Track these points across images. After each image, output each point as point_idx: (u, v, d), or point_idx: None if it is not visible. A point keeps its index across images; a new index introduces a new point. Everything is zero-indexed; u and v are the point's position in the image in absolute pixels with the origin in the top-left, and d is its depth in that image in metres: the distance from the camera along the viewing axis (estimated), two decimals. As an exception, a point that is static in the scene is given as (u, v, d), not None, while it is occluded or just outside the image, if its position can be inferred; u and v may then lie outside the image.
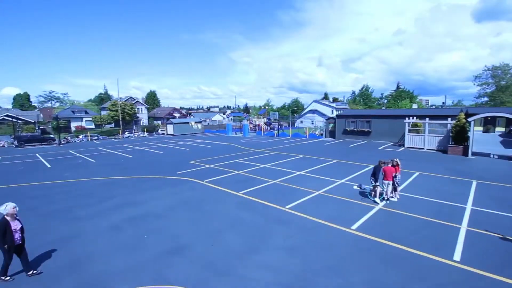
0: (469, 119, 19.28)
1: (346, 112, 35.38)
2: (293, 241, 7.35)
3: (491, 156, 19.52)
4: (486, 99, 50.78)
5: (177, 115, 73.77)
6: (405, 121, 23.75)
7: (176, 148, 27.30)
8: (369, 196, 10.67)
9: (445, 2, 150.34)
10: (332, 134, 33.58)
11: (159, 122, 66.39)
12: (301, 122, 69.43)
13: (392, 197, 10.22)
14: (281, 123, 54.31)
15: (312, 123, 58.77)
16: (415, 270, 5.95)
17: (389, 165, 10.10)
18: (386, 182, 10.05)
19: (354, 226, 8.11)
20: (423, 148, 22.62)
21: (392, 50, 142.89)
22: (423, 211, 9.24)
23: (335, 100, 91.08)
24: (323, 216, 8.86)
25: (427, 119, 22.54)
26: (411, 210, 9.35)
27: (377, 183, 10.23)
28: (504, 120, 32.18)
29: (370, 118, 29.56)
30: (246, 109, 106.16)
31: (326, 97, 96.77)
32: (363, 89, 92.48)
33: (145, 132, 48.54)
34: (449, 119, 21.58)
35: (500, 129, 34.89)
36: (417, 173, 14.53)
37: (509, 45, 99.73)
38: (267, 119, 55.66)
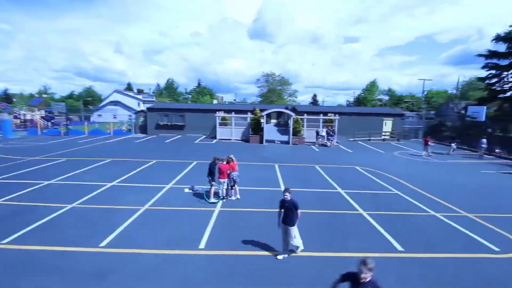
0: (263, 114, 23.61)
1: (158, 105, 33.04)
2: (126, 304, 4.71)
3: (276, 142, 25.24)
4: (260, 98, 67.20)
5: None
6: (216, 114, 25.38)
7: None
8: (205, 198, 9.67)
9: (230, 17, 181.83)
10: (143, 129, 30.09)
11: None
12: (100, 116, 58.04)
13: (230, 196, 9.83)
14: (70, 117, 42.11)
15: (115, 117, 50.62)
16: (285, 276, 5.48)
17: (224, 162, 9.55)
18: (221, 180, 9.43)
19: (202, 244, 6.67)
20: (230, 139, 25.31)
21: (191, 49, 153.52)
22: (256, 202, 9.50)
23: (140, 91, 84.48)
24: (161, 243, 6.67)
25: (233, 113, 25.35)
26: (246, 203, 9.34)
27: (214, 182, 9.40)
28: (276, 113, 43.60)
29: (184, 112, 29.25)
30: (7, 98, 73.65)
31: (130, 88, 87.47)
32: (169, 83, 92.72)
33: None
34: (249, 113, 25.47)
35: (273, 121, 47.14)
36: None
37: (269, 60, 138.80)
38: (46, 111, 41.22)
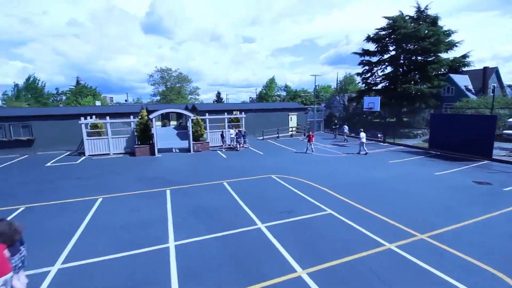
0: (150, 116, 17.98)
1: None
2: None
3: (174, 150, 20.09)
4: (158, 97, 58.98)
5: None
6: (80, 122, 18.00)
7: None
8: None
9: (118, 7, 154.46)
10: (-44, 151, 19.18)
11: None
12: None
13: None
14: None
15: None
16: None
17: None
18: None
19: None
20: (109, 154, 18.57)
21: (69, 41, 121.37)
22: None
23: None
24: None
25: (108, 118, 18.60)
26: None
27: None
28: (175, 114, 37.61)
29: (30, 120, 20.06)
30: None
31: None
32: (29, 81, 71.00)
33: None
34: (132, 116, 19.25)
35: (173, 123, 40.86)
36: (100, 199, 9.88)
37: (168, 57, 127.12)
38: None
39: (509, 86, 44.81)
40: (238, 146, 19.95)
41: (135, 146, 18.17)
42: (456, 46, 31.43)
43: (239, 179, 12.20)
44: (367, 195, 9.83)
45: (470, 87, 35.63)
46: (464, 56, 32.25)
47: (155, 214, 8.45)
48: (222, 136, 20.40)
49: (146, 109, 29.71)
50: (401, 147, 20.67)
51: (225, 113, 21.54)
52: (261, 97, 71.40)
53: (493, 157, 15.23)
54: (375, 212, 8.28)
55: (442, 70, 32.31)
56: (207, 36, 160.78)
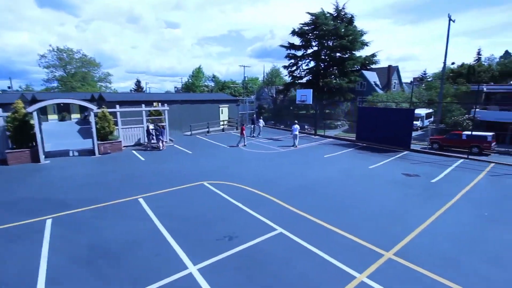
0: (28, 109, 12.99)
1: None
2: None
3: (72, 153, 15.43)
4: (56, 84, 47.74)
5: None
6: None
7: None
8: None
9: None
10: None
11: None
12: None
13: None
14: None
15: None
16: None
17: None
18: None
19: None
20: (-38, 163, 12.78)
21: None
22: None
23: None
24: None
25: (-45, 111, 12.64)
26: None
27: None
28: (78, 106, 30.44)
29: None
30: None
31: None
32: None
33: None
34: (0, 110, 13.66)
35: (76, 116, 33.15)
36: None
37: (74, 36, 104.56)
38: None
39: (405, 83, 53.41)
40: (160, 144, 16.68)
41: (7, 151, 12.95)
42: (367, 45, 34.63)
43: (161, 192, 9.48)
44: (315, 202, 8.64)
45: (378, 82, 40.26)
46: (373, 55, 35.89)
47: (17, 269, 5.19)
48: (148, 132, 16.72)
49: (33, 98, 22.89)
50: (331, 139, 21.11)
51: (143, 105, 17.77)
52: (188, 87, 66.50)
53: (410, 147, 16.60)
54: (328, 224, 7.05)
55: (356, 66, 35.34)
56: (122, 16, 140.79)
